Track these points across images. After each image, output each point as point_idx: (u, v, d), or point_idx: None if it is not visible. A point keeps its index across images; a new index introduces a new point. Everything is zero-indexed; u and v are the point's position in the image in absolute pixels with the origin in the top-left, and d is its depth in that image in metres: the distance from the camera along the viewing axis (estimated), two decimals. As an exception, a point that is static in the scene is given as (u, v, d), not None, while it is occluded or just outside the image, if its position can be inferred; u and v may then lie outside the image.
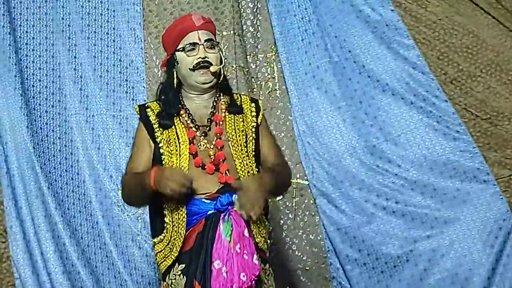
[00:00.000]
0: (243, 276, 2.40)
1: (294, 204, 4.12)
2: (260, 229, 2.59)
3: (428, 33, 4.06)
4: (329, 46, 4.17)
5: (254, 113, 2.76)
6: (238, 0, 4.26)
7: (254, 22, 4.27)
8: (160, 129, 2.68)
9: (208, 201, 2.55)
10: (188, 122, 2.69)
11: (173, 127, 2.68)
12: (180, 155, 2.61)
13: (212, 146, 2.63)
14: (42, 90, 4.07)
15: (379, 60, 4.08)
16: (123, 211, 4.04)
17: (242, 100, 2.80)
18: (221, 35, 4.20)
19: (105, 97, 4.15)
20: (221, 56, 2.72)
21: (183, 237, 2.55)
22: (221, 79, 2.73)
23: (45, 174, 3.96)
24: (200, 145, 2.64)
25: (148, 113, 2.73)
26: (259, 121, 2.76)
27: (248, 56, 4.25)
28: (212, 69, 2.66)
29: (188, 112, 2.71)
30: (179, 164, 2.58)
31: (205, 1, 4.26)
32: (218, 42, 2.79)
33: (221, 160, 2.60)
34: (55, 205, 3.93)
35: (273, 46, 4.26)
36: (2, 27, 4.02)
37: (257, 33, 4.29)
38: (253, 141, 2.70)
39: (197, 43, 2.68)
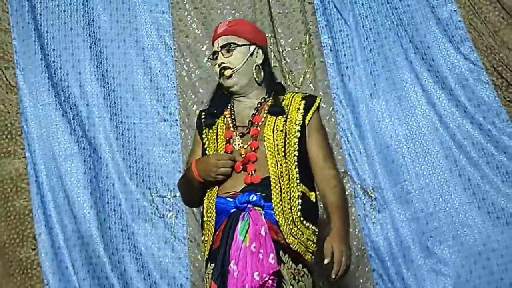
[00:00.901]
0: (257, 275, 2.38)
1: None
2: (293, 230, 2.52)
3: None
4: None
5: (301, 112, 2.69)
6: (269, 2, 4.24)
7: (285, 18, 4.23)
8: (206, 129, 2.80)
9: (231, 200, 2.59)
10: (229, 122, 2.74)
11: (216, 127, 2.77)
12: None
13: (246, 147, 2.65)
14: (70, 95, 4.09)
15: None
16: (155, 213, 4.02)
17: (293, 99, 2.75)
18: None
19: (138, 106, 4.14)
20: (243, 57, 2.74)
21: (213, 235, 2.60)
22: (256, 79, 2.77)
23: (75, 181, 3.99)
24: (236, 145, 2.67)
25: (201, 115, 2.88)
26: (306, 120, 2.68)
27: (282, 52, 4.19)
28: (226, 73, 2.71)
29: (232, 113, 2.77)
30: None
31: (233, 10, 4.27)
32: (236, 44, 2.74)
33: (250, 160, 2.62)
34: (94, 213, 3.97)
35: (308, 37, 4.17)
36: (30, 36, 4.11)
37: (287, 28, 4.23)
38: (296, 140, 2.64)
39: (216, 51, 2.78)
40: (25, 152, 4.01)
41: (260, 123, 2.69)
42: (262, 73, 2.79)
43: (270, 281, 2.39)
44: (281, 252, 2.48)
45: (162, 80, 4.19)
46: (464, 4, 3.98)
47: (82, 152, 4.04)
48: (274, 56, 4.18)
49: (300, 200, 2.55)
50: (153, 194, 4.02)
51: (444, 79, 3.97)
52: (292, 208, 2.54)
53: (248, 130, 2.69)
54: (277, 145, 2.62)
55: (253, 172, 2.60)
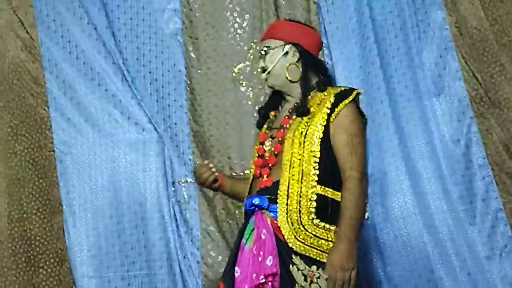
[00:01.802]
0: (255, 276, 2.48)
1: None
2: (298, 234, 2.52)
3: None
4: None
5: (327, 111, 2.61)
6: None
7: (290, 16, 4.15)
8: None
9: None
10: (270, 124, 2.85)
11: (263, 128, 2.89)
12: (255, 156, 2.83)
13: (272, 150, 2.72)
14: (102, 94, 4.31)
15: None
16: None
17: (327, 96, 2.68)
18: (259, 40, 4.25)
19: (149, 101, 4.33)
20: (275, 59, 2.75)
21: None
22: (289, 78, 2.76)
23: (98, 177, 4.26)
24: (266, 147, 2.76)
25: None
26: (332, 118, 2.60)
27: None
28: (262, 76, 2.82)
29: (276, 113, 2.86)
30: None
31: (243, 11, 4.35)
32: (270, 47, 2.78)
33: (269, 164, 2.68)
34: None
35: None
36: (53, 32, 4.27)
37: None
38: (317, 141, 2.59)
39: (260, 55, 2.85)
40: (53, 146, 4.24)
41: (287, 125, 2.70)
42: (299, 72, 2.75)
43: (270, 283, 2.48)
44: (293, 254, 2.52)
45: (172, 76, 4.37)
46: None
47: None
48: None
49: (315, 203, 2.53)
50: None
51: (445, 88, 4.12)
52: (302, 210, 2.53)
53: (278, 132, 2.74)
54: (293, 147, 2.61)
55: (266, 176, 2.66)
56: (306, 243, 2.51)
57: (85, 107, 4.29)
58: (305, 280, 2.49)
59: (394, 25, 4.15)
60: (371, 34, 4.15)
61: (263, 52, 2.78)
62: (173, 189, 4.26)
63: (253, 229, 2.60)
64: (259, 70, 2.84)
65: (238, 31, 4.34)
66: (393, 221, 4.11)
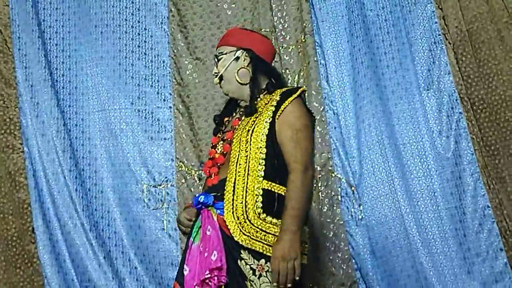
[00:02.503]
0: (207, 273, 2.53)
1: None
2: (245, 228, 2.55)
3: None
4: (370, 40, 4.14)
5: (272, 109, 2.67)
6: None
7: (283, 14, 4.23)
8: None
9: None
10: (222, 129, 2.89)
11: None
12: None
13: (222, 150, 2.78)
14: (72, 91, 4.17)
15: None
16: (148, 207, 4.15)
17: (272, 96, 2.74)
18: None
19: (130, 91, 4.21)
20: (227, 64, 2.81)
21: None
22: (240, 82, 2.80)
23: (74, 175, 4.10)
24: (218, 150, 2.80)
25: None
26: (277, 115, 2.65)
27: (279, 49, 4.21)
28: (214, 81, 2.88)
29: (228, 119, 2.91)
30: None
31: (233, 4, 4.30)
32: (223, 53, 2.83)
33: (218, 163, 2.75)
34: (82, 206, 4.07)
35: (303, 36, 4.18)
36: (31, 30, 4.15)
37: (285, 25, 4.24)
38: (263, 137, 2.63)
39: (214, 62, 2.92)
40: (23, 147, 4.09)
41: (236, 126, 2.77)
42: (249, 75, 2.81)
43: (216, 277, 2.53)
44: (241, 249, 2.55)
45: (157, 66, 4.27)
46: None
47: (82, 148, 4.16)
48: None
49: (261, 198, 2.56)
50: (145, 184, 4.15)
51: (435, 83, 4.06)
52: (248, 205, 2.57)
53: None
54: (240, 145, 2.67)
55: (214, 174, 2.73)
56: (252, 237, 2.54)
57: (58, 107, 4.14)
58: (254, 274, 2.53)
59: (386, 21, 4.11)
60: (360, 33, 4.13)
61: (216, 59, 2.86)
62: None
63: (200, 226, 2.66)
64: (213, 75, 2.88)
65: (227, 21, 4.28)
66: (383, 222, 4.05)
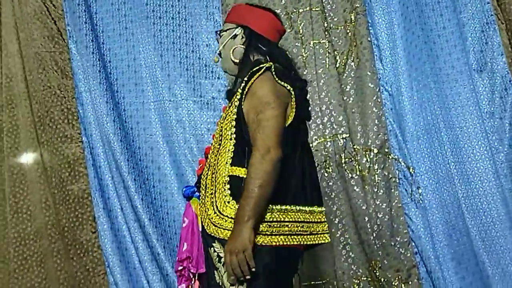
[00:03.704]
0: (180, 265, 2.60)
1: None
2: (213, 218, 2.49)
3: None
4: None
5: (240, 91, 2.56)
6: None
7: None
8: None
9: None
10: None
11: None
12: None
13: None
14: (125, 83, 4.17)
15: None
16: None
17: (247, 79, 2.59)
18: (297, 12, 4.23)
19: (185, 82, 4.21)
20: (223, 42, 2.76)
21: None
22: (234, 61, 2.73)
23: (131, 166, 4.11)
24: None
25: None
26: (243, 98, 2.53)
27: (329, 30, 4.18)
28: (214, 59, 2.83)
29: None
30: None
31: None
32: (223, 30, 2.79)
33: (206, 153, 2.71)
34: (140, 195, 4.08)
35: (354, 16, 4.16)
36: (84, 23, 4.20)
37: (333, 6, 4.22)
38: (233, 123, 2.54)
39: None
40: (82, 137, 4.15)
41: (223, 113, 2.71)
42: (242, 55, 2.71)
43: (186, 268, 2.58)
44: (216, 239, 2.49)
45: (210, 57, 4.26)
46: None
47: (138, 139, 4.17)
48: (326, 32, 4.19)
49: (228, 185, 2.48)
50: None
51: (488, 64, 4.04)
52: (217, 194, 2.50)
53: None
54: (216, 134, 2.63)
55: (200, 164, 2.75)
56: (220, 226, 2.46)
57: (112, 99, 4.17)
58: (219, 261, 2.47)
59: (439, 3, 4.09)
60: (414, 15, 4.09)
61: (219, 35, 2.81)
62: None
63: None
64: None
65: (283, 2, 4.28)
66: (442, 205, 4.02)
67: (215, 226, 2.47)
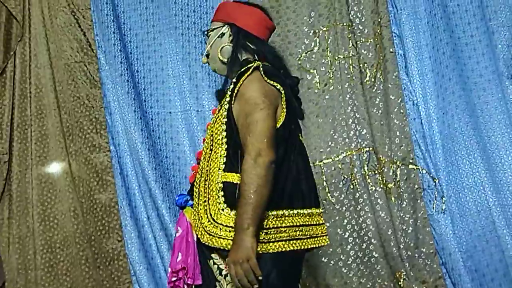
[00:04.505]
0: (174, 276, 2.51)
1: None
2: (207, 227, 2.42)
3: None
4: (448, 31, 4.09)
5: (229, 93, 2.49)
6: None
7: (360, 8, 4.19)
8: None
9: None
10: None
11: None
12: None
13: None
14: (153, 92, 4.20)
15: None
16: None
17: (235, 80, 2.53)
18: (325, 29, 4.23)
19: (213, 93, 4.20)
20: (211, 41, 2.69)
21: None
22: (222, 60, 2.66)
23: (158, 175, 4.16)
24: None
25: None
26: (233, 100, 2.46)
27: (357, 43, 4.17)
28: (202, 60, 2.74)
29: None
30: None
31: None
32: (211, 29, 2.72)
33: (198, 159, 2.63)
34: (167, 204, 4.11)
35: (379, 27, 4.13)
36: (112, 33, 4.25)
37: (362, 19, 4.19)
38: (223, 127, 2.47)
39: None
40: (109, 146, 4.19)
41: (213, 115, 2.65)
42: (230, 54, 2.63)
43: (181, 279, 2.49)
44: (213, 249, 2.44)
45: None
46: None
47: (165, 148, 4.20)
48: (352, 46, 4.19)
49: (222, 192, 2.41)
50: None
51: None
52: (211, 202, 2.43)
53: None
54: (207, 138, 2.56)
55: (194, 172, 2.64)
56: (216, 235, 2.39)
57: (140, 108, 4.21)
58: (220, 273, 2.43)
59: (467, 11, 4.06)
60: (441, 23, 4.07)
61: (207, 36, 2.73)
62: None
63: None
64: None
65: (304, 17, 4.26)
66: (467, 215, 3.98)
67: (210, 235, 2.40)
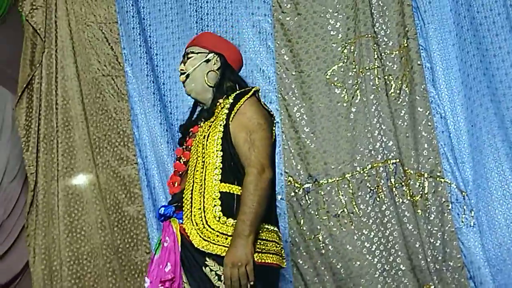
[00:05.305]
0: (160, 285, 2.56)
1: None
2: (204, 233, 2.53)
3: None
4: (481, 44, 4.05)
5: (226, 111, 2.68)
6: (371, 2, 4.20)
7: (385, 20, 4.18)
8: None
9: None
10: (187, 139, 2.89)
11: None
12: None
13: (183, 158, 2.80)
14: (178, 105, 4.23)
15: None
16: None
17: (228, 99, 2.74)
18: (351, 42, 4.23)
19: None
20: (197, 63, 2.86)
21: None
22: (208, 83, 2.84)
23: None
24: (181, 160, 2.82)
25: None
26: (231, 117, 2.65)
27: (381, 55, 4.16)
28: (180, 78, 2.90)
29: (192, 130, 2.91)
30: None
31: (336, 13, 4.27)
32: (193, 52, 2.89)
33: (178, 171, 2.78)
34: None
35: (405, 40, 4.11)
36: (139, 46, 4.29)
37: (387, 31, 4.18)
38: (219, 141, 2.63)
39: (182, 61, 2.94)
40: (137, 158, 4.22)
41: (196, 133, 2.79)
42: (217, 79, 2.85)
43: (168, 287, 2.55)
44: (206, 256, 2.53)
45: (263, 82, 4.27)
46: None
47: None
48: (377, 58, 4.17)
49: (219, 201, 2.55)
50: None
51: None
52: (206, 210, 2.55)
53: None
54: (197, 153, 2.68)
55: (177, 183, 2.76)
56: (212, 241, 2.51)
57: (166, 120, 4.23)
58: (219, 279, 2.50)
59: (495, 23, 4.03)
60: (468, 35, 4.05)
61: (186, 57, 2.90)
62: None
63: (161, 239, 2.69)
64: (179, 73, 2.90)
65: (331, 32, 4.26)
66: (497, 228, 3.95)
67: (205, 240, 2.52)
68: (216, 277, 2.50)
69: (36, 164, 4.18)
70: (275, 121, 2.78)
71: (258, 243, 2.55)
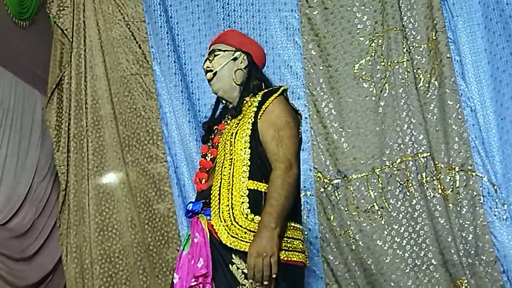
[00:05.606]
0: (193, 281, 2.52)
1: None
2: (232, 230, 2.51)
3: None
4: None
5: (254, 109, 2.67)
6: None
7: (413, 14, 4.15)
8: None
9: None
10: (212, 136, 2.87)
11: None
12: None
13: (210, 155, 2.78)
14: (206, 102, 4.23)
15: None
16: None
17: (255, 98, 2.74)
18: (379, 35, 4.22)
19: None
20: (224, 61, 2.84)
21: None
22: (236, 82, 2.83)
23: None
24: (208, 157, 2.80)
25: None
26: (259, 115, 2.65)
27: (410, 48, 4.14)
28: (207, 76, 2.87)
29: (218, 127, 2.88)
30: None
31: (363, 6, 4.26)
32: (220, 50, 2.86)
33: (205, 168, 2.75)
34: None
35: (434, 33, 4.08)
36: (166, 44, 4.31)
37: (415, 24, 4.15)
38: (246, 139, 2.62)
39: (207, 58, 2.91)
40: (166, 156, 4.23)
41: (223, 130, 2.77)
42: (244, 77, 2.85)
43: (201, 284, 2.51)
44: (232, 254, 2.50)
45: (291, 78, 4.26)
46: None
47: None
48: (405, 51, 4.15)
49: (247, 198, 2.53)
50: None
51: None
52: (235, 207, 2.54)
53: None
54: (225, 150, 2.66)
55: (204, 180, 2.73)
56: (240, 238, 2.49)
57: (194, 118, 4.24)
58: (246, 277, 2.47)
59: None
60: (497, 27, 4.00)
61: (212, 54, 2.87)
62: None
63: (190, 235, 2.66)
64: (204, 70, 2.87)
65: (358, 26, 4.25)
66: (520, 227, 3.91)
67: (233, 237, 2.50)
68: (242, 275, 2.48)
69: (67, 164, 4.22)
70: (301, 120, 2.80)
71: (284, 241, 2.53)
